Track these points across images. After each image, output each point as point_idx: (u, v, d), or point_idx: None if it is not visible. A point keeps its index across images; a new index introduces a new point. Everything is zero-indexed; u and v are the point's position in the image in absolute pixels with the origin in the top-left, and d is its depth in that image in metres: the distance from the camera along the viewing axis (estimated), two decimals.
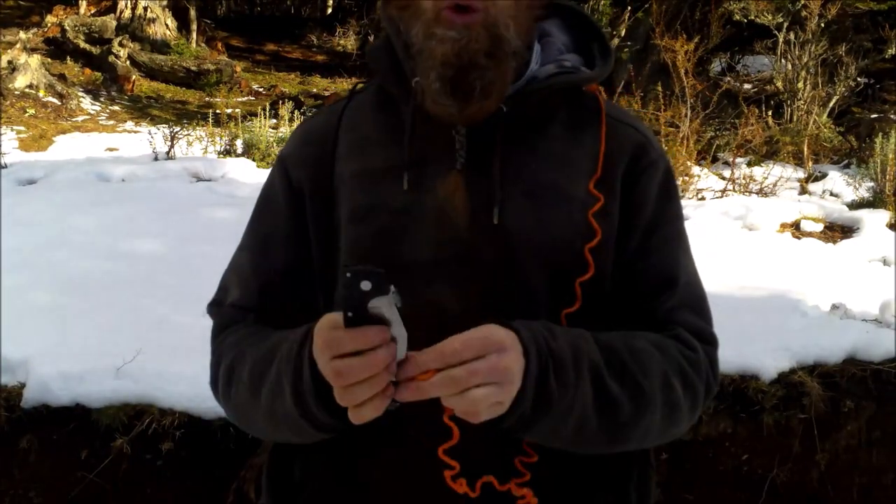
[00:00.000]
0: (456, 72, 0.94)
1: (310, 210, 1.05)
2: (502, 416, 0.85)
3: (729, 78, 9.21)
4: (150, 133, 6.33)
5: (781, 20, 8.08)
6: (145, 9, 11.72)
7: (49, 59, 10.54)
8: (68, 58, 10.95)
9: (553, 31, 1.08)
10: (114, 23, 11.52)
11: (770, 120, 7.27)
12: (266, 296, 1.06)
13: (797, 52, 7.79)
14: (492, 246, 0.97)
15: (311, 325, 0.88)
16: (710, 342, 1.04)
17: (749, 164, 6.47)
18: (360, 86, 1.13)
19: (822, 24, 7.70)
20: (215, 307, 1.11)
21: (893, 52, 8.28)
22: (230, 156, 6.08)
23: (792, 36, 7.87)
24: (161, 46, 11.61)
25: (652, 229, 1.03)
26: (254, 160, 5.87)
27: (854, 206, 5.44)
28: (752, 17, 8.37)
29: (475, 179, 0.99)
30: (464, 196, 0.99)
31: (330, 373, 0.81)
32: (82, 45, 11.11)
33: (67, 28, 11.30)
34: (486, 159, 0.99)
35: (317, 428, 0.92)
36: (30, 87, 9.07)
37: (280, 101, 7.91)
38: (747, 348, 2.99)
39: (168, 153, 6.05)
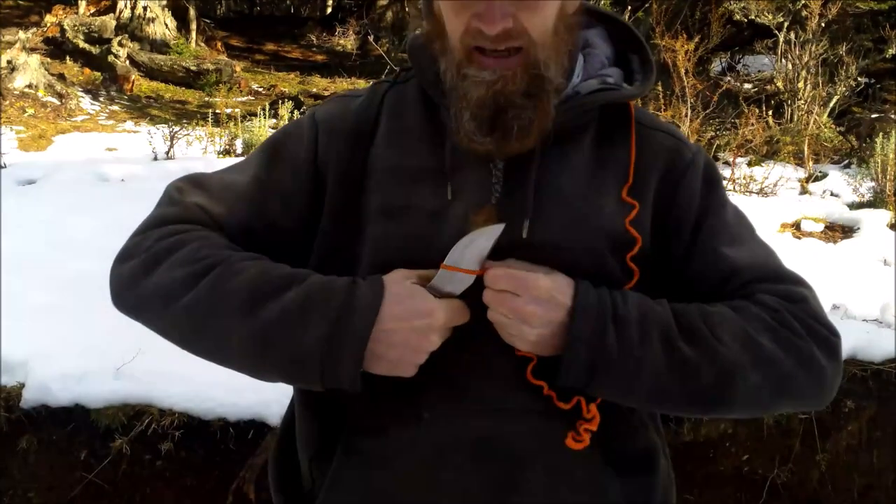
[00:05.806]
0: (492, 112, 0.93)
1: (333, 188, 1.03)
2: (563, 368, 0.91)
3: (729, 78, 9.21)
4: (149, 133, 6.30)
5: (782, 20, 8.08)
6: (145, 8, 11.71)
7: (48, 59, 10.52)
8: (67, 57, 10.93)
9: (597, 42, 1.07)
10: (113, 22, 11.51)
11: (770, 120, 7.26)
12: (244, 233, 1.02)
13: (797, 52, 7.78)
14: (522, 257, 0.96)
15: (378, 276, 0.93)
16: (796, 300, 1.00)
17: (749, 164, 6.46)
18: (402, 74, 1.10)
19: (823, 24, 7.68)
20: (175, 194, 1.05)
21: (894, 52, 8.27)
22: (229, 156, 6.07)
23: (792, 35, 7.86)
24: (160, 46, 11.59)
25: (701, 222, 1.05)
26: None
27: (854, 206, 5.43)
28: (753, 17, 8.37)
29: (509, 191, 0.99)
30: (499, 207, 0.98)
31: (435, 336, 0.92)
32: (81, 44, 11.10)
33: (67, 28, 11.29)
34: (522, 175, 0.98)
35: (321, 377, 0.89)
36: (29, 86, 9.06)
37: (280, 101, 7.90)
38: None
39: (167, 153, 6.04)
